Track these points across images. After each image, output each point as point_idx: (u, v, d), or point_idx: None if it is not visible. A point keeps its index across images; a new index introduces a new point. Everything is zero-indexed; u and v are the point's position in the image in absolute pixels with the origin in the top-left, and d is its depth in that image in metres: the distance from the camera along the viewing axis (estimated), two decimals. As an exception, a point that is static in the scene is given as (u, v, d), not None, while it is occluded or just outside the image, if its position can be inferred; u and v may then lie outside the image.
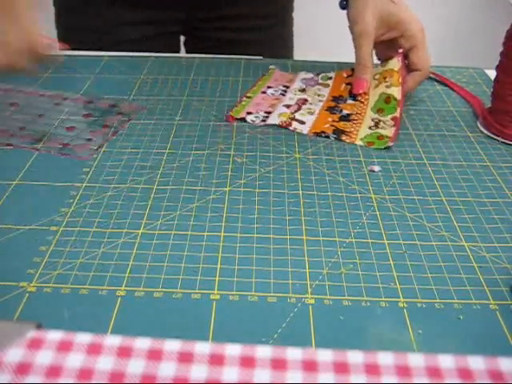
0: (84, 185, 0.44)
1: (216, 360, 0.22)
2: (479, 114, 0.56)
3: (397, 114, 0.52)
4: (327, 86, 0.61)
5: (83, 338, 0.22)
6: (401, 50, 0.55)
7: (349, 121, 0.54)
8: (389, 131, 0.51)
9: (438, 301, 0.34)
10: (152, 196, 0.43)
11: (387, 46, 0.57)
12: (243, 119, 0.54)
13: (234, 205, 0.42)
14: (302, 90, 0.60)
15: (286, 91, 0.60)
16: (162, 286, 0.35)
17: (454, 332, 0.32)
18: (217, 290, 0.34)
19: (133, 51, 0.69)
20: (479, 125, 0.55)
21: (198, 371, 0.21)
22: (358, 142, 0.51)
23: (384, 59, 0.57)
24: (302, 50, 0.89)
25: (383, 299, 0.34)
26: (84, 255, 0.37)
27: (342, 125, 0.53)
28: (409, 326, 0.32)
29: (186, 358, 0.22)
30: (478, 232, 0.40)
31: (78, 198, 0.42)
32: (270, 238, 0.39)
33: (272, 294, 0.34)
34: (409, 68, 0.57)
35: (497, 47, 0.52)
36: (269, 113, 0.55)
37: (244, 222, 0.40)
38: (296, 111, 0.55)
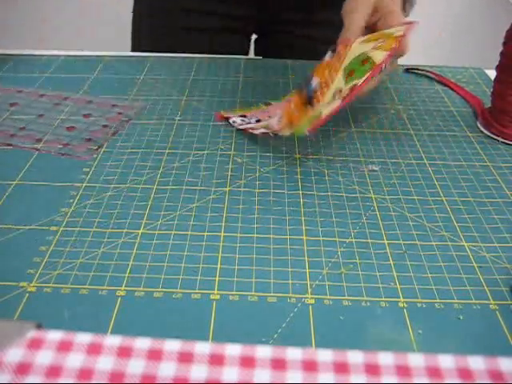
0: (84, 185, 0.44)
1: (216, 360, 0.22)
2: (479, 114, 0.56)
3: (359, 81, 0.41)
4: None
5: (83, 338, 0.22)
6: (415, 21, 0.47)
7: (311, 104, 0.44)
8: (329, 107, 0.41)
9: (437, 301, 0.34)
10: (152, 196, 0.43)
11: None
12: (227, 119, 0.50)
13: (234, 205, 0.42)
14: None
15: None
16: (161, 285, 0.35)
17: (454, 332, 0.32)
18: (217, 290, 0.34)
19: (197, 42, 0.72)
20: (479, 125, 0.55)
21: (198, 371, 0.21)
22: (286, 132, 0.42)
23: None
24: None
25: (383, 299, 0.34)
26: (84, 255, 0.37)
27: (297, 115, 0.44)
28: (409, 326, 0.32)
29: (185, 357, 0.22)
30: (478, 232, 0.40)
31: (77, 198, 0.42)
32: (270, 238, 0.39)
33: (272, 294, 0.34)
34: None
35: (497, 47, 0.52)
36: (259, 121, 0.49)
37: (244, 222, 0.40)
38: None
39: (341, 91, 0.40)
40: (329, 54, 0.50)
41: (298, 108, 0.43)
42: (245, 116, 0.51)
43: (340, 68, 0.43)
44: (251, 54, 0.82)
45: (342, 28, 0.55)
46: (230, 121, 0.48)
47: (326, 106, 0.40)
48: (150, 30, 0.77)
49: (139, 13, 0.77)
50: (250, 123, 0.49)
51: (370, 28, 0.52)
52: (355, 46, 0.44)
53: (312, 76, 0.46)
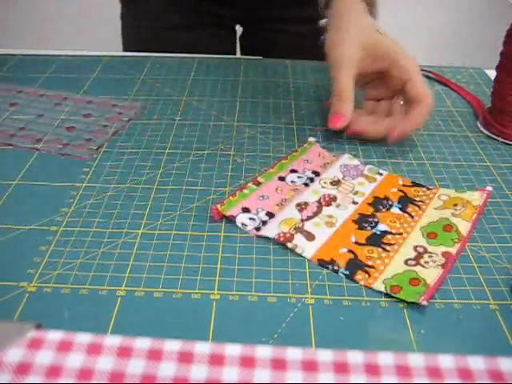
0: (84, 185, 0.44)
1: (216, 360, 0.22)
2: (479, 114, 0.56)
3: (452, 250, 0.37)
4: (373, 180, 0.45)
5: (83, 338, 0.22)
6: (489, 188, 0.43)
7: (380, 245, 0.38)
8: (431, 274, 0.35)
9: (438, 301, 0.34)
10: (152, 196, 0.43)
11: (379, 82, 0.52)
12: (232, 218, 0.40)
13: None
14: (336, 183, 0.44)
15: (313, 179, 0.45)
16: (161, 285, 0.35)
17: (454, 332, 0.32)
18: (217, 290, 0.34)
19: (182, 38, 0.72)
20: (479, 125, 0.55)
21: (198, 371, 0.21)
22: (378, 287, 0.35)
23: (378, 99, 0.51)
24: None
25: (383, 299, 0.34)
26: (84, 255, 0.37)
27: (365, 251, 0.38)
28: (409, 326, 0.32)
29: (186, 358, 0.22)
30: (478, 232, 0.40)
31: (77, 198, 0.42)
32: (270, 238, 0.39)
33: (272, 294, 0.34)
34: (409, 102, 0.49)
35: (497, 47, 0.52)
36: (272, 215, 0.40)
37: (244, 222, 0.40)
38: (309, 218, 0.40)
39: (425, 251, 0.37)
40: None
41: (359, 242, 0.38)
42: (248, 210, 0.41)
43: (416, 226, 0.40)
44: (238, 51, 0.83)
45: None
46: (238, 223, 0.40)
47: (419, 268, 0.36)
48: (137, 33, 0.77)
49: (125, 16, 0.78)
50: (265, 222, 0.40)
51: (375, 77, 0.51)
52: (428, 211, 0.41)
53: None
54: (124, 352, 0.22)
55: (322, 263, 0.37)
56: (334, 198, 0.42)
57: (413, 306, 0.34)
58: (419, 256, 0.37)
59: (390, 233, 0.39)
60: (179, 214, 0.41)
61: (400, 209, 0.42)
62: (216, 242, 0.38)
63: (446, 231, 0.39)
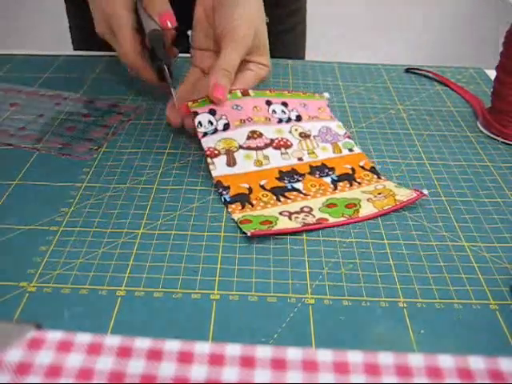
0: (84, 185, 0.44)
1: (216, 360, 0.22)
2: (479, 114, 0.56)
3: (329, 218, 0.39)
4: (338, 152, 0.46)
5: (83, 338, 0.22)
6: (425, 192, 0.42)
7: (278, 195, 0.40)
8: (284, 224, 0.38)
9: (437, 301, 0.34)
10: (152, 196, 0.43)
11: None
12: (195, 115, 0.43)
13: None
14: (304, 136, 0.46)
15: (289, 121, 0.47)
16: (161, 285, 0.35)
17: (454, 332, 0.32)
18: (217, 290, 0.34)
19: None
20: (479, 125, 0.55)
21: (198, 371, 0.21)
22: (234, 217, 0.39)
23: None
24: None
25: (383, 299, 0.34)
26: (84, 255, 0.37)
27: (260, 194, 0.40)
28: (409, 326, 0.32)
29: (185, 358, 0.22)
30: (478, 232, 0.40)
31: (77, 197, 0.42)
32: (270, 238, 0.39)
33: (272, 294, 0.34)
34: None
35: (497, 47, 0.52)
36: (227, 128, 0.43)
37: (244, 222, 0.40)
38: (247, 149, 0.42)
39: (309, 212, 0.38)
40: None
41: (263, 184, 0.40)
42: (215, 112, 0.43)
43: (330, 195, 0.41)
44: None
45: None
46: (196, 121, 0.42)
47: (283, 218, 0.37)
48: (80, 30, 0.76)
49: (68, 12, 0.77)
50: (216, 131, 0.42)
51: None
52: (356, 190, 0.42)
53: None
54: (124, 352, 0.22)
55: (217, 185, 0.40)
56: (287, 146, 0.44)
57: (413, 305, 0.34)
58: (298, 212, 0.39)
59: (299, 191, 0.41)
60: (179, 214, 0.41)
61: (332, 181, 0.43)
62: (216, 242, 0.38)
63: (346, 207, 0.40)
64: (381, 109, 0.57)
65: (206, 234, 0.39)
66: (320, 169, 0.44)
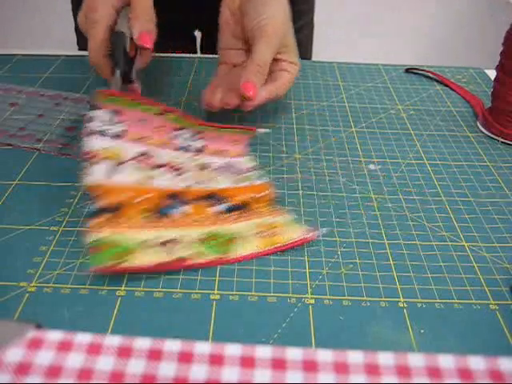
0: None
1: (216, 360, 0.22)
2: (479, 114, 0.56)
3: (200, 259, 0.35)
4: (237, 182, 0.42)
5: (83, 338, 0.22)
6: (320, 232, 0.38)
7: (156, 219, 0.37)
8: (142, 259, 0.34)
9: (437, 301, 0.34)
10: (152, 196, 0.43)
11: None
12: (98, 109, 0.39)
13: (234, 205, 0.42)
14: (201, 167, 0.42)
15: (188, 149, 0.43)
16: (161, 285, 0.35)
17: (454, 332, 0.32)
18: (217, 290, 0.34)
19: None
20: (479, 125, 0.55)
21: (198, 371, 0.21)
22: (90, 237, 0.35)
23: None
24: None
25: (383, 299, 0.34)
26: (84, 255, 0.37)
27: (132, 212, 0.36)
28: (409, 326, 0.32)
29: (186, 357, 0.22)
30: (478, 232, 0.40)
31: (77, 197, 0.42)
32: (270, 238, 0.39)
33: (272, 294, 0.34)
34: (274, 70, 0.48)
35: (497, 47, 0.52)
36: (119, 137, 0.39)
37: (244, 222, 0.40)
38: (134, 163, 0.39)
39: (176, 243, 0.34)
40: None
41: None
42: (118, 114, 0.39)
43: (213, 225, 0.37)
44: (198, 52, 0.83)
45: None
46: (94, 114, 0.38)
47: (144, 248, 0.33)
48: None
49: (75, 11, 0.77)
50: (107, 133, 0.38)
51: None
52: (249, 222, 0.38)
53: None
54: (124, 352, 0.22)
55: (89, 193, 0.35)
56: (181, 172, 0.40)
57: (413, 306, 0.34)
58: (167, 242, 0.35)
59: (181, 215, 0.37)
60: (179, 214, 0.41)
61: (223, 210, 0.38)
62: (216, 242, 0.38)
63: (224, 244, 0.36)
64: (381, 109, 0.57)
65: (206, 233, 0.39)
66: (213, 197, 0.39)
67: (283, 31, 0.48)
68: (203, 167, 0.42)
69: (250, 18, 0.48)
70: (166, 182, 0.39)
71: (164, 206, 0.37)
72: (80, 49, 0.78)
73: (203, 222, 0.37)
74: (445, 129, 0.54)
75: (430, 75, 0.65)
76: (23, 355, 0.22)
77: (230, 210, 0.39)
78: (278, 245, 0.36)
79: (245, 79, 0.44)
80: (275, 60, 0.48)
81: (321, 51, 0.88)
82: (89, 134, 0.37)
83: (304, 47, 0.80)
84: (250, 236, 0.37)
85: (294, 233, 0.37)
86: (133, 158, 0.39)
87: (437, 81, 0.64)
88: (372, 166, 0.47)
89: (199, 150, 0.43)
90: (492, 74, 0.56)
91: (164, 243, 0.35)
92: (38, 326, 0.23)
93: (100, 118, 0.38)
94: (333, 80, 0.63)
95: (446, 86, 0.63)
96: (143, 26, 0.45)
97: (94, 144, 0.38)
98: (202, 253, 0.34)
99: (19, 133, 0.50)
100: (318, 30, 0.82)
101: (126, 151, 0.39)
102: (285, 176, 0.46)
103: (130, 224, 0.35)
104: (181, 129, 0.44)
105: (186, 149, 0.43)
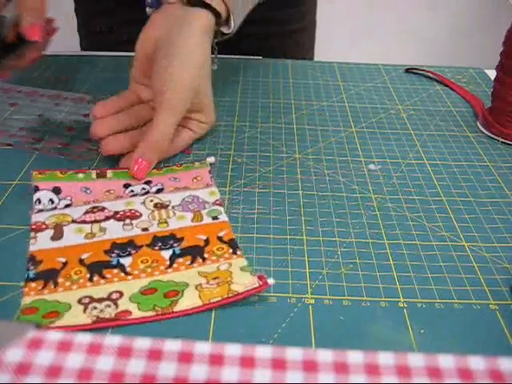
0: (84, 185, 0.44)
1: (216, 360, 0.22)
2: (479, 114, 0.56)
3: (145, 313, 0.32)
4: (198, 220, 0.39)
5: (83, 338, 0.22)
6: (270, 281, 0.34)
7: (93, 273, 0.34)
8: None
9: (437, 301, 0.34)
10: (152, 196, 0.43)
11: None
12: (35, 189, 0.40)
13: (234, 205, 0.42)
14: (161, 207, 0.40)
15: (148, 192, 0.42)
16: (162, 286, 0.34)
17: (454, 332, 0.32)
18: (217, 290, 0.34)
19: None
20: (479, 125, 0.55)
21: (198, 371, 0.21)
22: (24, 303, 0.32)
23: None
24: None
25: (383, 299, 0.34)
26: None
27: (72, 270, 0.35)
28: (409, 326, 0.32)
29: (186, 358, 0.22)
30: (478, 232, 0.40)
31: (78, 198, 0.42)
32: (270, 238, 0.39)
33: (272, 294, 0.34)
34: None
35: (497, 47, 0.52)
36: (68, 206, 0.39)
37: (244, 222, 0.40)
38: (82, 222, 0.38)
39: (115, 301, 0.32)
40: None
41: None
42: (59, 191, 0.40)
43: (162, 275, 0.34)
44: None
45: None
46: (35, 197, 0.39)
47: (77, 307, 0.32)
48: (87, 30, 0.76)
49: (78, 13, 0.77)
50: (55, 209, 0.39)
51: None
52: (194, 270, 0.35)
53: None
54: (124, 352, 0.22)
55: (29, 261, 0.35)
56: (134, 217, 0.39)
57: (413, 306, 0.34)
58: (103, 299, 0.32)
59: (122, 269, 0.35)
60: (179, 214, 0.41)
61: (172, 255, 0.36)
62: (216, 242, 0.38)
63: (165, 296, 0.33)
64: (381, 109, 0.57)
65: (206, 234, 0.39)
66: (165, 240, 0.37)
67: (191, 94, 0.44)
68: (161, 206, 0.40)
69: (155, 77, 0.44)
70: (117, 232, 0.37)
71: (106, 261, 0.35)
72: (83, 49, 0.78)
73: (152, 272, 0.35)
74: (445, 129, 0.54)
75: (430, 75, 0.65)
76: (23, 355, 0.22)
77: (182, 254, 0.36)
78: (224, 297, 0.33)
79: (139, 155, 0.42)
80: (184, 117, 0.46)
81: (321, 51, 0.88)
82: (37, 212, 0.39)
83: (306, 48, 0.81)
84: (192, 287, 0.34)
85: (244, 281, 0.34)
86: (85, 213, 0.39)
87: (437, 81, 0.64)
88: (372, 166, 0.47)
89: (158, 191, 0.42)
90: (492, 73, 0.56)
91: (102, 299, 0.32)
92: (38, 326, 0.23)
93: (44, 198, 0.39)
94: (333, 80, 0.64)
95: (446, 86, 0.63)
96: (33, 17, 0.43)
97: (39, 217, 0.38)
98: (141, 306, 0.32)
99: (19, 133, 0.50)
100: (318, 30, 0.82)
101: (74, 212, 0.39)
102: (285, 176, 0.46)
103: (68, 285, 0.33)
104: (126, 186, 0.42)
105: (141, 194, 0.42)
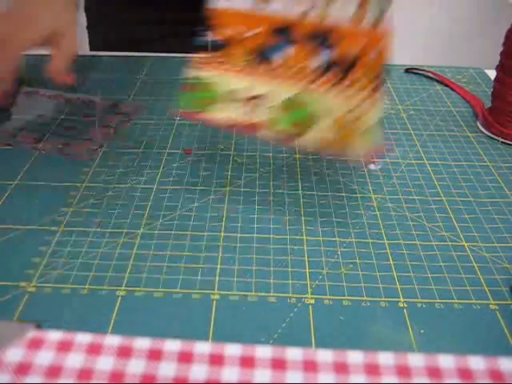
0: (84, 185, 0.44)
1: (216, 360, 0.22)
2: (479, 114, 0.56)
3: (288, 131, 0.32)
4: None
5: (83, 338, 0.22)
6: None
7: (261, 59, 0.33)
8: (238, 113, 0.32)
9: (437, 301, 0.34)
10: (152, 196, 0.43)
11: None
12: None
13: (234, 205, 0.42)
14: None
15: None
16: (162, 285, 0.35)
17: (454, 332, 0.32)
18: (217, 290, 0.34)
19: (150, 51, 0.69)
20: (479, 125, 0.55)
21: (198, 371, 0.21)
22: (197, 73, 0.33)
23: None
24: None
25: (383, 299, 0.34)
26: (84, 255, 0.37)
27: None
28: (409, 326, 0.32)
29: (186, 357, 0.22)
30: (478, 232, 0.40)
31: (77, 197, 0.42)
32: (270, 238, 0.39)
33: (272, 294, 0.34)
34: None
35: (497, 47, 0.52)
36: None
37: (244, 222, 0.40)
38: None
39: (259, 103, 0.31)
40: None
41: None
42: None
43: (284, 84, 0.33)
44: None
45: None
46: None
47: (228, 103, 0.31)
48: (97, 31, 0.77)
49: (89, 10, 0.78)
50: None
51: None
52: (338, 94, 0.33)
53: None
54: (124, 352, 0.22)
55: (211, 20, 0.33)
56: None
57: (413, 306, 0.34)
58: (254, 98, 0.32)
59: (282, 61, 0.33)
60: (179, 214, 0.41)
61: (320, 64, 0.33)
62: (216, 242, 0.38)
63: (297, 122, 0.32)
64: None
65: (206, 233, 0.39)
66: (320, 37, 0.33)
67: None
68: None
69: None
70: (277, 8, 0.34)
71: (268, 47, 0.33)
72: (92, 50, 0.78)
73: (297, 76, 0.33)
74: (445, 129, 0.54)
75: (430, 75, 0.65)
76: (23, 355, 0.22)
77: (330, 64, 0.33)
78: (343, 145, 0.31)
79: None
80: None
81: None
82: None
83: None
84: (329, 119, 0.32)
85: (366, 143, 0.32)
86: None
87: (437, 81, 0.64)
88: (372, 166, 0.47)
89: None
90: (492, 73, 0.56)
91: (250, 98, 0.32)
92: (38, 326, 0.23)
93: None
94: (333, 80, 0.63)
95: (446, 85, 0.63)
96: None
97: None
98: (278, 121, 0.31)
99: (19, 133, 0.50)
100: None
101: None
102: (285, 176, 0.46)
103: (231, 66, 0.33)
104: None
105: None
